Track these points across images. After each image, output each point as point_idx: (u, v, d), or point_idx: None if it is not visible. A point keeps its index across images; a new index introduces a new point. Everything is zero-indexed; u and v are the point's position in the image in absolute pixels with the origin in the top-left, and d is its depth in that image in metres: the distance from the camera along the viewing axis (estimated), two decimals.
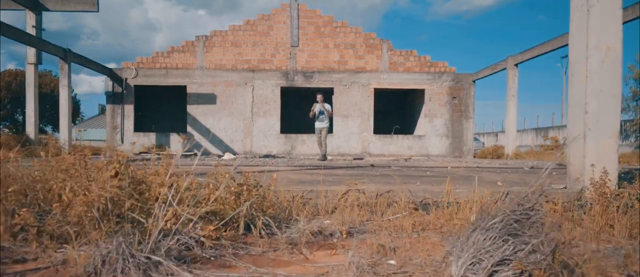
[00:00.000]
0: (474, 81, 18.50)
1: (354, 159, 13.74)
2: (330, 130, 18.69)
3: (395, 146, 18.42)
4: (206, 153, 18.03)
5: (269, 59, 18.37)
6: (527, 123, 38.72)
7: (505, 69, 15.69)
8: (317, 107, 11.74)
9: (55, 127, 56.18)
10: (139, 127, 19.28)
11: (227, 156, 12.38)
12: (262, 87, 18.15)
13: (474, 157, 18.53)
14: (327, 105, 11.92)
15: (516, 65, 15.09)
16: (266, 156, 14.56)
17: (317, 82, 18.05)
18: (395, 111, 23.11)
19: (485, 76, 17.53)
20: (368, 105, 18.31)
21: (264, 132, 18.18)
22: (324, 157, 11.87)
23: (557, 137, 27.45)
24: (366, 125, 18.31)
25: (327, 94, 20.24)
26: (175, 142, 18.15)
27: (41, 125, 54.69)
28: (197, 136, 18.08)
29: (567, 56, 49.85)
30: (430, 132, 18.45)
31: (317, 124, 11.98)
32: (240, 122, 18.15)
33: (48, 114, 53.41)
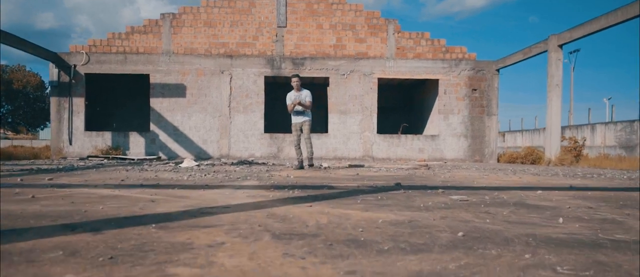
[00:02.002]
0: (498, 70, 15.36)
1: (350, 165, 10.51)
2: (323, 128, 15.45)
3: (403, 148, 15.24)
4: (173, 156, 14.75)
5: (250, 42, 15.11)
6: (538, 122, 35.75)
7: (545, 51, 12.56)
8: (295, 96, 8.58)
9: (31, 127, 52.66)
10: (91, 125, 15.95)
11: (187, 162, 9.14)
12: (242, 77, 14.90)
13: (498, 161, 15.39)
14: (305, 92, 8.59)
15: (561, 46, 11.94)
16: (242, 162, 11.30)
17: (308, 71, 14.84)
18: (401, 107, 19.92)
19: (514, 63, 14.39)
20: (371, 99, 15.12)
21: (245, 132, 14.94)
22: (309, 163, 8.73)
23: (575, 137, 24.44)
24: (368, 124, 15.12)
25: (321, 86, 17.00)
26: (136, 143, 14.86)
27: (16, 123, 51.12)
28: (163, 136, 14.80)
29: (575, 51, 47.08)
30: (446, 132, 15.29)
31: (295, 119, 8.71)
32: (216, 119, 14.89)
33: (22, 111, 49.90)
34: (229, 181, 5.69)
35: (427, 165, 10.75)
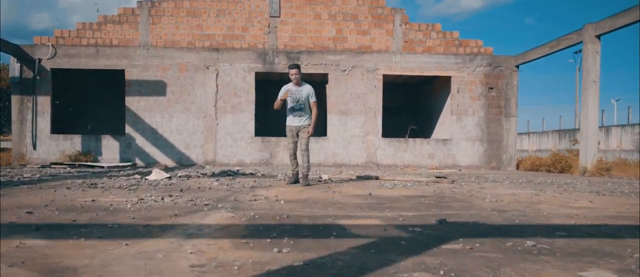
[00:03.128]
0: (517, 66, 13.70)
1: (357, 176, 8.83)
2: (321, 130, 13.75)
3: (411, 153, 13.55)
4: (152, 162, 13.00)
5: (239, 34, 13.39)
6: (545, 124, 34.21)
7: (577, 43, 10.90)
8: (290, 92, 6.79)
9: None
10: (59, 127, 14.18)
11: (155, 174, 7.41)
12: (229, 73, 13.18)
13: (517, 168, 13.72)
14: (306, 89, 6.83)
15: (598, 37, 10.28)
16: (225, 173, 9.57)
17: (305, 66, 13.12)
18: (405, 108, 18.23)
19: (537, 58, 12.74)
20: (375, 98, 13.43)
21: (233, 135, 13.21)
22: (305, 183, 6.84)
23: None
24: (372, 126, 13.42)
25: (319, 84, 15.28)
26: (110, 148, 13.10)
27: (1, 124, 49.10)
28: (140, 140, 13.05)
29: (579, 51, 45.51)
30: (459, 135, 13.61)
31: (292, 120, 6.89)
32: (200, 120, 13.16)
33: (8, 112, 47.86)
34: (191, 210, 3.97)
35: (444, 176, 9.06)
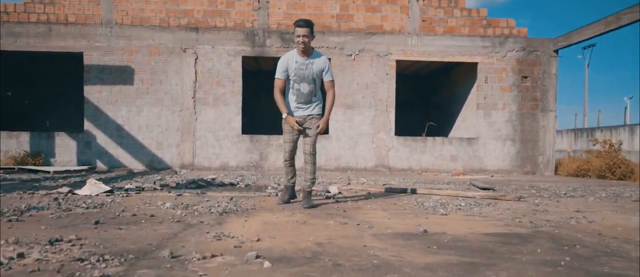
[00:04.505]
0: (556, 51, 11.46)
1: (387, 189, 6.56)
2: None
3: (430, 155, 11.28)
4: (116, 166, 10.67)
5: (223, 9, 11.06)
6: (559, 123, 32.07)
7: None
8: (298, 65, 4.51)
9: None
10: (12, 122, 11.79)
11: (89, 187, 5.10)
12: (211, 57, 10.86)
13: (555, 172, 11.50)
14: (320, 60, 4.59)
15: None
16: (196, 183, 7.24)
17: None
18: (418, 101, 15.95)
19: (586, 39, 10.51)
20: (387, 89, 11.15)
21: (215, 132, 10.88)
22: (309, 205, 4.47)
23: (611, 141, 20.69)
24: (384, 122, 11.15)
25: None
26: (65, 148, 10.75)
27: None
28: (102, 138, 10.71)
29: (590, 46, 43.50)
30: (487, 134, 11.35)
31: (294, 108, 4.64)
32: (175, 115, 10.83)
33: None
34: None
35: (490, 188, 6.79)
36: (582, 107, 39.60)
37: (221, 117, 10.89)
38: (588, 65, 42.44)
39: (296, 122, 4.55)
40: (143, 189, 5.64)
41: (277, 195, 5.42)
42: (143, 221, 3.41)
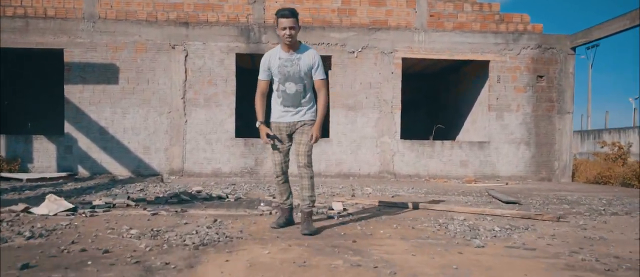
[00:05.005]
0: (573, 49, 10.67)
1: (396, 203, 5.76)
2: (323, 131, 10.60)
3: (438, 160, 10.47)
4: (100, 172, 9.85)
5: (215, 3, 10.24)
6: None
7: None
8: (282, 63, 3.74)
9: None
10: None
11: (47, 206, 4.29)
12: (202, 54, 10.04)
13: (572, 178, 10.70)
14: (308, 55, 3.77)
15: None
16: (177, 197, 6.42)
17: None
18: (423, 102, 15.14)
19: (608, 36, 9.72)
20: (392, 89, 10.35)
21: (207, 136, 10.07)
22: (308, 231, 3.63)
23: (620, 143, 19.92)
24: (388, 124, 10.34)
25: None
26: (44, 152, 9.92)
27: None
28: (84, 142, 9.89)
29: (594, 46, 42.67)
30: (499, 137, 10.55)
31: (280, 114, 3.85)
32: (163, 116, 10.01)
33: None
34: None
35: (517, 201, 5.98)
36: (585, 108, 38.81)
37: (213, 119, 10.08)
38: (591, 65, 41.71)
39: (283, 129, 3.79)
40: (114, 205, 4.82)
41: (270, 213, 4.61)
42: (89, 263, 2.60)
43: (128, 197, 5.03)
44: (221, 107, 10.08)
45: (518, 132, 10.58)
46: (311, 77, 3.83)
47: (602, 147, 20.20)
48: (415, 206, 5.22)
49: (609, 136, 24.43)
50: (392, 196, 6.50)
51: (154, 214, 4.38)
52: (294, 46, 3.78)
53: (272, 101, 3.92)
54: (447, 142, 10.62)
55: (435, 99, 14.85)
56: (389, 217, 4.48)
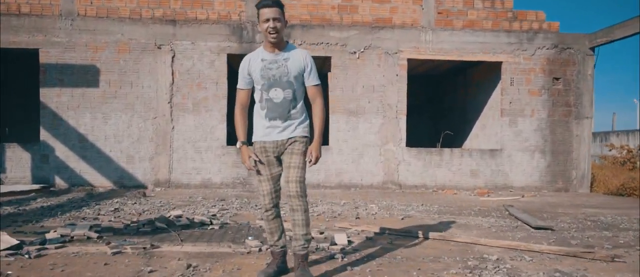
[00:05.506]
0: (592, 49, 9.90)
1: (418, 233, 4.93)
2: (323, 140, 9.77)
3: (447, 169, 9.68)
4: (79, 183, 9.03)
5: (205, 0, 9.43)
6: None
7: None
8: (265, 65, 2.98)
9: None
10: None
11: None
12: (191, 55, 9.23)
13: (590, 190, 9.92)
14: (296, 55, 3.03)
15: None
16: (152, 226, 5.59)
17: (299, 46, 9.22)
18: (427, 105, 14.35)
19: (631, 35, 8.95)
20: (397, 92, 9.55)
21: (196, 144, 9.25)
22: (301, 266, 2.96)
23: (628, 146, 19.19)
24: (393, 131, 9.55)
25: (318, 72, 11.22)
26: (17, 162, 9.09)
27: None
28: (61, 150, 9.06)
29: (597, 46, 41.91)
30: (512, 144, 9.76)
31: (264, 131, 3.03)
32: (148, 122, 9.19)
33: None
34: None
35: (550, 227, 5.20)
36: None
37: (203, 126, 9.26)
38: (594, 66, 40.90)
39: (270, 150, 3.03)
40: (71, 239, 4.00)
41: (260, 251, 3.80)
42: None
43: (90, 227, 4.21)
44: (211, 113, 9.26)
45: (533, 139, 9.80)
46: (302, 83, 3.07)
47: (610, 150, 19.51)
48: (429, 235, 4.41)
49: (617, 139, 23.70)
50: (402, 218, 5.70)
51: (115, 253, 3.57)
52: (280, 44, 3.04)
53: (254, 115, 3.13)
54: (457, 150, 9.83)
55: (439, 102, 14.05)
56: (404, 258, 3.67)
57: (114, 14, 9.21)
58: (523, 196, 8.70)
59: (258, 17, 2.99)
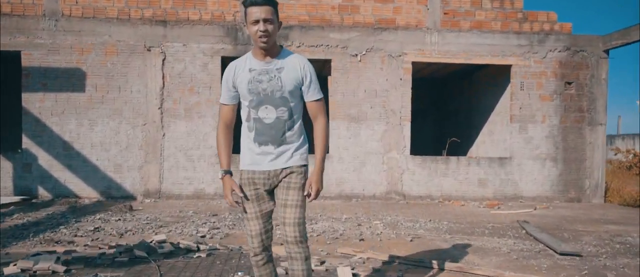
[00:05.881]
0: (606, 51, 9.40)
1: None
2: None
3: (453, 179, 9.16)
4: (64, 194, 8.50)
5: None
6: None
7: None
8: (245, 72, 2.45)
9: None
10: None
11: None
12: (183, 57, 8.70)
13: (604, 200, 9.42)
14: (292, 63, 2.47)
15: None
16: (136, 255, 5.07)
17: (297, 48, 8.71)
18: (430, 109, 13.83)
19: None
20: (400, 97, 9.04)
21: (188, 152, 8.73)
22: None
23: (634, 150, 18.70)
24: (396, 138, 9.03)
25: (318, 75, 10.70)
26: None
27: None
28: (45, 159, 8.52)
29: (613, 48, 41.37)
30: (522, 152, 9.25)
31: (253, 157, 2.49)
32: (137, 129, 8.65)
33: None
34: None
35: (578, 253, 4.69)
36: None
37: (195, 133, 8.73)
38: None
39: (260, 183, 2.50)
40: (34, 274, 3.47)
41: None
42: None
43: (58, 259, 3.67)
44: (204, 119, 8.73)
45: (544, 146, 9.28)
46: (300, 98, 2.54)
47: (616, 154, 19.02)
48: (445, 266, 3.90)
49: (622, 142, 23.23)
50: (411, 238, 5.18)
51: None
52: (272, 51, 2.48)
53: (241, 137, 2.60)
54: (463, 159, 9.31)
55: (444, 106, 13.53)
56: None
57: (100, 14, 8.67)
58: (535, 208, 8.19)
59: (245, 17, 2.44)
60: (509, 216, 7.17)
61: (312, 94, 2.52)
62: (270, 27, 2.37)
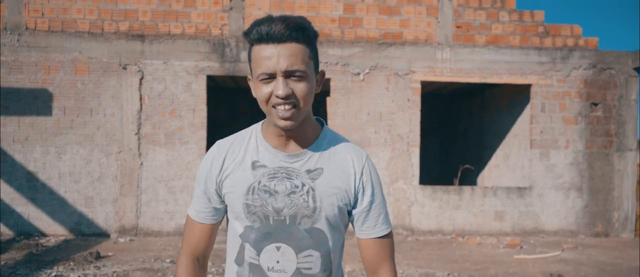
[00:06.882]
0: (637, 69, 8.47)
1: None
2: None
3: (467, 211, 8.19)
4: (27, 231, 7.47)
5: (180, 10, 7.89)
6: None
7: None
8: (248, 170, 1.34)
9: None
10: None
11: None
12: (163, 76, 7.70)
13: (635, 234, 8.47)
14: (349, 157, 1.34)
15: None
16: None
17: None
18: (439, 128, 12.84)
19: None
20: (408, 121, 8.08)
21: (168, 183, 7.72)
22: None
23: None
24: (404, 166, 8.06)
25: (316, 95, 9.68)
26: None
27: None
28: (6, 191, 7.50)
29: None
30: (544, 181, 8.29)
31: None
32: (111, 157, 7.64)
33: None
34: None
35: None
36: None
37: (177, 161, 7.73)
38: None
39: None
40: None
41: None
42: None
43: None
44: (188, 146, 7.73)
45: (567, 174, 8.33)
46: (344, 227, 1.46)
47: None
48: None
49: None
50: None
51: None
52: (304, 133, 1.39)
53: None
54: (478, 189, 8.34)
55: (450, 125, 12.55)
56: None
57: (70, 28, 7.67)
58: (562, 249, 7.21)
59: (250, 62, 1.33)
60: (537, 264, 6.20)
61: (374, 225, 1.43)
62: (300, 88, 1.27)
